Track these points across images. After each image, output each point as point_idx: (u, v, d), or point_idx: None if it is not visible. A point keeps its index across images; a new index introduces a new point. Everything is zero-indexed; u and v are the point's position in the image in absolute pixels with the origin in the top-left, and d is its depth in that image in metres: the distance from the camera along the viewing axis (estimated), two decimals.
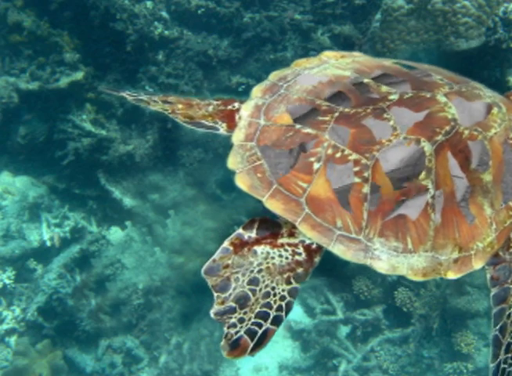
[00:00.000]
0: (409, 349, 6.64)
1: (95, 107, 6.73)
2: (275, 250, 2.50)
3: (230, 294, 2.41)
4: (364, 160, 2.44)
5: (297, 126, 2.55)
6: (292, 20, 7.06)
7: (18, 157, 6.78)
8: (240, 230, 2.53)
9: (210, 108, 2.86)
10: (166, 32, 6.95)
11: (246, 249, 2.48)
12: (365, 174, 2.43)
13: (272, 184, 2.46)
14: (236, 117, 2.75)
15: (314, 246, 2.50)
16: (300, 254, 2.50)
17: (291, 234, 2.53)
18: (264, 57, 7.06)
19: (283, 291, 2.44)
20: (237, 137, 2.60)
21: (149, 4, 7.03)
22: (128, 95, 2.95)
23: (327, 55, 2.97)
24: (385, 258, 2.43)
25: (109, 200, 6.85)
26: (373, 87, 2.67)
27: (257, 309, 2.40)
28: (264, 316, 2.39)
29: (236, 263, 2.46)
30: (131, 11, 6.72)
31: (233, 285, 2.42)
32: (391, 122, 2.52)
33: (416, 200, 2.46)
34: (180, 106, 2.93)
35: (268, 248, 2.50)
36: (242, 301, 2.40)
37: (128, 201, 6.83)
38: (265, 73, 7.68)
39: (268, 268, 2.47)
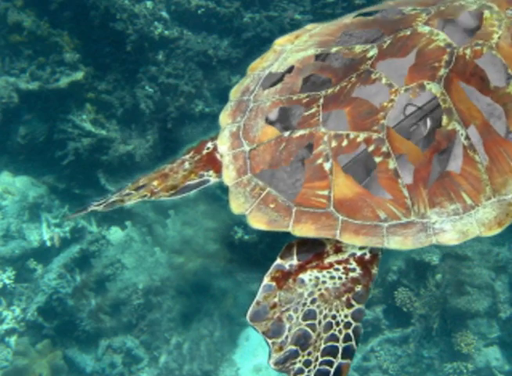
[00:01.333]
0: (409, 349, 6.64)
1: (95, 107, 6.72)
2: (325, 272, 2.16)
3: (287, 337, 2.08)
4: (375, 135, 2.13)
5: (286, 134, 2.23)
6: (292, 20, 7.06)
7: (18, 157, 6.78)
8: (278, 260, 2.19)
9: (187, 165, 2.50)
10: (166, 32, 6.95)
11: (291, 280, 2.15)
12: (384, 148, 2.11)
13: (290, 209, 2.13)
14: (218, 156, 2.39)
15: (367, 256, 2.20)
16: (354, 269, 2.18)
17: (338, 250, 2.20)
18: None
19: (346, 316, 2.11)
20: (228, 177, 2.29)
21: (149, 4, 7.03)
22: (96, 205, 2.57)
23: (279, 43, 2.62)
24: (450, 227, 2.10)
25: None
26: (345, 53, 2.34)
27: (323, 346, 2.08)
28: (331, 351, 2.07)
29: (283, 299, 2.12)
30: (131, 11, 6.72)
31: (287, 325, 2.09)
32: (383, 80, 2.20)
33: (451, 149, 2.13)
34: (155, 182, 2.52)
35: (315, 273, 2.16)
36: (302, 341, 2.07)
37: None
38: None
39: (321, 295, 2.13)
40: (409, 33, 2.29)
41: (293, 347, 2.07)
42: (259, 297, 2.13)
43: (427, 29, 2.29)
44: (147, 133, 6.85)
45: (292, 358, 2.06)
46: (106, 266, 6.72)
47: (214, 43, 7.04)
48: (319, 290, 2.13)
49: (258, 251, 6.67)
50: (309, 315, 2.10)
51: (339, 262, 2.18)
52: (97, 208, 2.55)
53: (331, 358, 2.06)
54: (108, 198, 2.58)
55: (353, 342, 2.09)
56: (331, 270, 2.16)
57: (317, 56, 2.39)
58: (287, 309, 2.11)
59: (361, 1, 6.98)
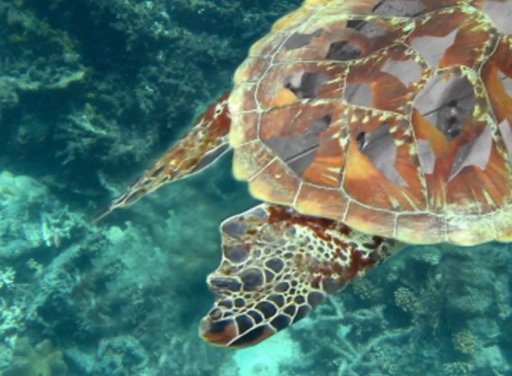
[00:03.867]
0: (409, 349, 6.64)
1: (95, 107, 6.72)
2: (318, 240, 2.00)
3: (241, 267, 1.95)
4: (399, 116, 1.96)
5: (304, 101, 2.06)
6: None
7: (18, 157, 6.77)
8: None
9: (200, 134, 2.32)
10: (166, 32, 6.95)
11: (284, 223, 1.99)
12: (407, 132, 1.95)
13: (297, 182, 1.98)
14: (230, 117, 2.19)
15: (365, 256, 2.03)
16: (344, 258, 2.00)
17: (344, 230, 2.02)
18: None
19: (305, 291, 1.96)
20: (235, 138, 2.10)
21: (149, 4, 7.03)
22: (118, 203, 2.43)
23: (311, 2, 2.42)
24: (465, 227, 1.93)
25: (110, 200, 6.84)
26: (380, 23, 2.14)
27: (264, 299, 1.93)
28: (268, 309, 1.92)
29: (265, 233, 1.98)
30: (131, 11, 6.72)
31: (249, 258, 1.96)
32: (417, 58, 2.02)
33: (479, 143, 1.96)
34: (173, 162, 2.40)
35: (310, 234, 2.00)
36: (251, 280, 1.94)
37: None
38: None
39: (299, 256, 1.98)
40: (451, 11, 2.08)
41: (239, 280, 1.93)
42: (246, 214, 2.01)
43: (471, 10, 2.07)
44: (147, 133, 6.85)
45: (230, 288, 1.93)
46: (106, 266, 6.72)
47: (214, 43, 7.04)
48: (301, 251, 1.97)
49: None
50: (275, 264, 1.95)
51: (337, 242, 2.01)
52: (119, 205, 2.41)
53: (262, 315, 1.90)
54: (128, 192, 2.41)
55: (292, 317, 1.93)
56: (325, 242, 2.00)
57: (349, 22, 2.19)
58: (261, 244, 1.97)
59: None
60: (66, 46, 6.52)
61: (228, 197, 6.90)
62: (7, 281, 6.51)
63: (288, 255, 1.97)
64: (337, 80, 2.05)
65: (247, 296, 1.93)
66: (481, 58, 2.01)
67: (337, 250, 2.01)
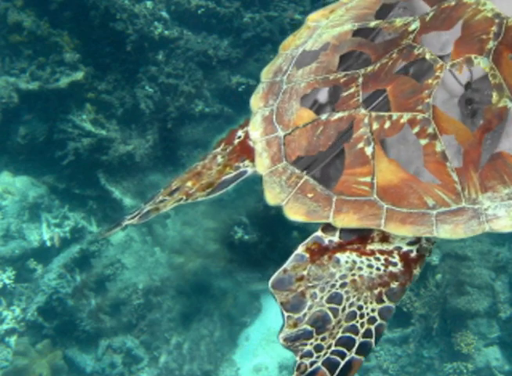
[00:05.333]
0: (409, 349, 6.64)
1: (95, 107, 6.72)
2: (364, 258, 2.00)
3: (305, 315, 1.93)
4: (420, 116, 1.96)
5: (323, 116, 2.07)
6: (292, 20, 7.06)
7: (18, 157, 6.77)
8: (319, 232, 2.03)
9: (219, 158, 2.30)
10: (166, 32, 6.95)
11: (326, 257, 1.99)
12: (430, 130, 1.95)
13: (330, 197, 1.98)
14: (251, 144, 2.20)
15: (413, 254, 2.01)
16: (395, 264, 1.99)
17: (384, 239, 2.02)
18: (264, 57, 7.06)
19: (373, 311, 1.94)
20: (262, 165, 2.09)
21: (149, 4, 7.03)
22: (130, 219, 2.38)
23: (313, 18, 2.41)
24: (504, 214, 1.93)
25: (109, 200, 6.85)
26: (385, 27, 2.16)
27: (340, 334, 1.91)
28: (347, 342, 1.90)
29: (312, 275, 1.97)
30: (131, 11, 6.72)
31: (309, 303, 1.94)
32: (427, 55, 2.03)
33: (503, 128, 1.96)
34: (189, 183, 2.32)
35: (354, 256, 2.00)
36: (320, 323, 1.92)
37: (127, 201, 6.83)
38: None
39: (353, 281, 1.97)
40: (453, 3, 2.10)
41: (309, 327, 1.92)
42: (288, 265, 1.98)
43: None
44: (147, 133, 6.84)
45: (304, 338, 1.91)
46: (106, 266, 6.72)
47: (214, 43, 7.04)
48: (353, 275, 1.97)
49: (258, 251, 6.67)
50: (335, 298, 1.94)
51: (382, 252, 2.01)
52: (132, 222, 2.37)
53: (345, 350, 1.90)
54: (142, 209, 2.38)
55: (372, 340, 1.93)
56: (371, 258, 2.00)
57: (354, 32, 2.22)
58: (314, 286, 1.96)
59: None
60: (66, 46, 6.52)
61: (228, 197, 6.90)
62: (7, 281, 6.51)
63: (343, 285, 1.96)
64: (352, 90, 2.06)
65: (323, 339, 1.92)
66: (491, 44, 2.01)
67: (385, 259, 2.00)
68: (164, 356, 6.61)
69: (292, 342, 1.92)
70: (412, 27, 2.10)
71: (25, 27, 6.36)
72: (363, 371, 6.65)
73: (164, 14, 7.09)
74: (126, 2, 6.71)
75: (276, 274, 1.98)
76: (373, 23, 2.20)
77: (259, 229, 6.69)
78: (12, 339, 6.42)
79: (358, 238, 2.02)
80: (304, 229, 6.66)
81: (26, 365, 6.12)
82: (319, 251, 2.00)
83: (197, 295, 6.67)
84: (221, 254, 6.71)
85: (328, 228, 2.03)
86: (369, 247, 2.01)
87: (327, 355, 1.89)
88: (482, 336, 6.58)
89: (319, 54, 2.22)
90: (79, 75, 6.51)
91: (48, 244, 6.75)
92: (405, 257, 2.01)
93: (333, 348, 1.90)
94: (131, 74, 6.82)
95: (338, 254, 1.99)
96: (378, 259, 2.00)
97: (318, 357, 1.89)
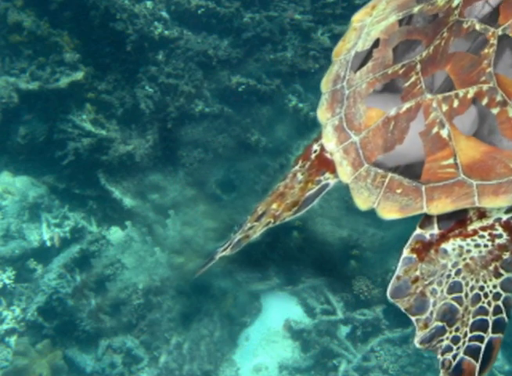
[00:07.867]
0: (409, 349, 6.63)
1: (95, 107, 6.73)
2: (469, 240, 1.99)
3: (432, 313, 1.94)
4: (485, 86, 1.94)
5: (392, 112, 2.07)
6: (292, 20, 7.06)
7: (18, 157, 6.78)
8: (418, 230, 2.03)
9: (300, 176, 2.31)
10: (166, 32, 6.95)
11: (432, 251, 2.00)
12: (499, 98, 1.93)
13: (419, 188, 1.98)
14: (328, 156, 2.22)
15: None
16: (500, 235, 1.98)
17: (481, 215, 2.01)
18: (264, 57, 7.06)
19: (495, 287, 1.94)
20: (345, 174, 2.10)
21: (149, 4, 7.03)
22: (223, 251, 2.42)
23: (357, 19, 2.42)
24: None
25: (109, 200, 6.85)
26: (429, 9, 2.15)
27: (471, 320, 1.91)
28: (481, 325, 1.91)
29: (425, 272, 1.98)
30: (131, 11, 6.72)
31: (432, 300, 1.95)
32: (477, 26, 2.00)
33: None
34: (274, 205, 2.33)
35: (459, 241, 1.99)
36: (449, 315, 1.93)
37: (127, 201, 6.83)
38: (265, 73, 7.67)
39: (467, 265, 1.97)
40: None
41: (440, 323, 1.94)
42: (399, 271, 1.98)
43: None
44: (147, 133, 6.85)
45: (439, 335, 1.95)
46: (106, 266, 6.72)
47: (214, 43, 7.04)
48: (464, 260, 1.97)
49: (258, 251, 6.67)
50: (455, 287, 1.95)
51: (484, 229, 1.99)
52: (225, 253, 2.40)
53: (481, 333, 1.90)
54: (232, 239, 2.40)
55: (504, 315, 1.92)
56: (476, 238, 1.99)
57: (400, 21, 2.21)
58: (430, 283, 1.97)
59: (361, 1, 6.98)
60: (66, 46, 6.52)
61: (228, 197, 6.90)
62: (7, 281, 6.51)
63: (458, 272, 1.97)
64: (413, 79, 2.06)
65: (457, 329, 1.94)
66: None
67: (489, 234, 1.99)
68: (164, 356, 6.61)
69: (429, 343, 1.97)
70: (456, 2, 2.08)
71: (25, 27, 6.36)
72: (363, 371, 6.65)
73: (164, 14, 7.09)
74: (126, 2, 6.71)
75: (391, 284, 1.99)
76: (416, 9, 2.19)
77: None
78: (12, 339, 6.42)
79: (457, 223, 2.01)
80: (305, 229, 6.66)
81: (26, 365, 6.12)
82: (424, 248, 2.01)
83: (197, 295, 6.67)
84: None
85: (425, 223, 2.03)
86: (470, 227, 2.01)
87: (466, 343, 1.91)
88: None
89: (371, 52, 2.23)
90: (79, 75, 6.51)
91: (48, 244, 6.75)
92: (507, 225, 2.00)
93: (469, 335, 1.91)
94: (131, 74, 6.82)
95: (443, 245, 2.00)
96: (482, 236, 1.99)
97: (458, 348, 1.93)
